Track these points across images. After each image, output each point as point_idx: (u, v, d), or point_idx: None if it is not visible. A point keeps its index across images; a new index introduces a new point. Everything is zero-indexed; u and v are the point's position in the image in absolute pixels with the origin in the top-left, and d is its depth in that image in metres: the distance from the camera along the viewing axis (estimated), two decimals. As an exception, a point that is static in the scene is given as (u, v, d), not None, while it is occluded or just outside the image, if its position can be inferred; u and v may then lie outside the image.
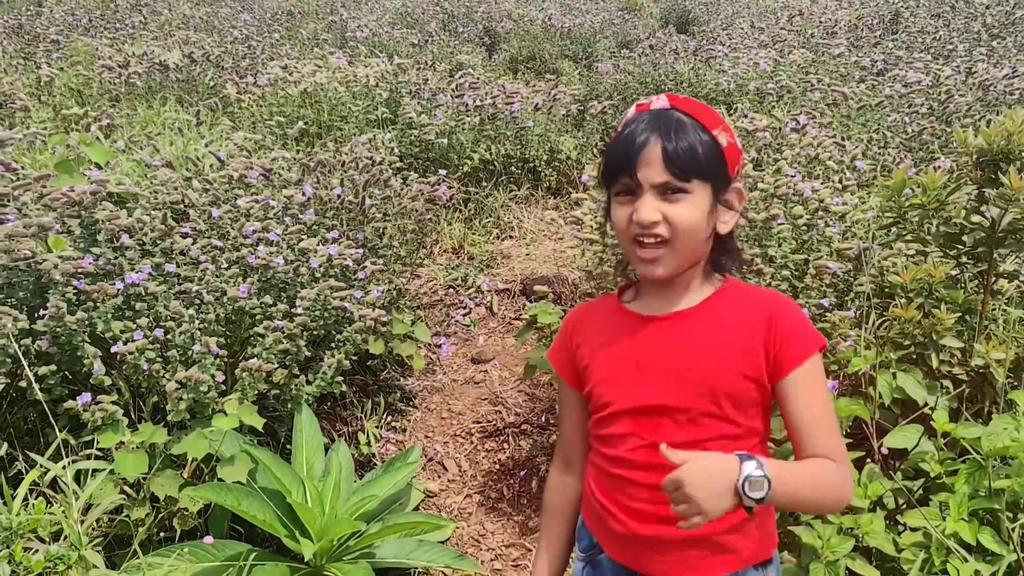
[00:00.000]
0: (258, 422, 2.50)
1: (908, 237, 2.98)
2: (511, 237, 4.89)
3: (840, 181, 3.40)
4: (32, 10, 9.71)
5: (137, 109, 5.19)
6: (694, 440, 1.28)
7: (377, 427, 3.23)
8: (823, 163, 3.60)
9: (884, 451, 2.36)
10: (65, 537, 2.15)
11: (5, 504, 2.27)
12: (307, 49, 7.74)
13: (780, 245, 2.90)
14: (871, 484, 2.31)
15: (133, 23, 8.94)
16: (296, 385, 2.74)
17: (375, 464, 3.10)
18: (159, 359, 2.49)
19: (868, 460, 2.40)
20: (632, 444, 1.34)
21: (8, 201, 2.67)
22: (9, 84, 4.99)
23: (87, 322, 2.42)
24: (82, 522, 2.21)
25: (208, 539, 2.25)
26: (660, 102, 1.32)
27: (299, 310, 2.70)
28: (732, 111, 4.99)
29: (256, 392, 2.59)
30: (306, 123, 5.11)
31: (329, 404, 3.25)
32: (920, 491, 2.39)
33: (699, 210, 1.26)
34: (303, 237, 2.92)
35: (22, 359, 2.29)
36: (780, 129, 4.14)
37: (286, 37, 8.61)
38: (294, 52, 7.29)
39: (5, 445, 2.40)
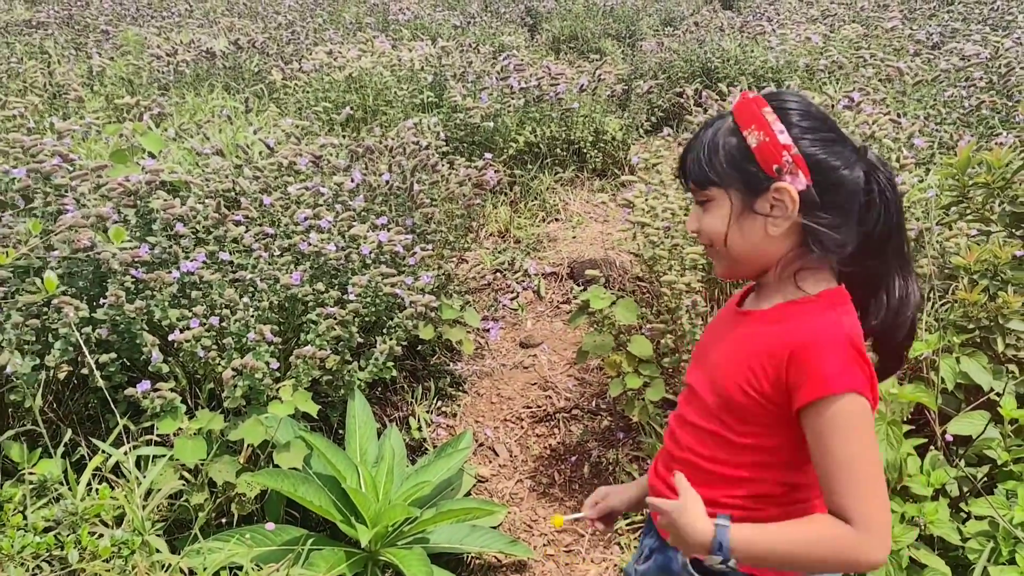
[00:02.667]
0: (312, 408, 2.52)
1: (971, 217, 2.90)
2: (557, 220, 4.86)
3: (898, 160, 3.31)
4: (81, 1, 9.86)
5: (185, 97, 5.25)
6: (700, 428, 1.32)
7: (427, 412, 3.24)
8: (879, 141, 3.51)
9: (948, 438, 2.31)
10: (128, 522, 2.20)
11: (70, 489, 2.33)
12: (350, 33, 7.75)
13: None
14: (934, 472, 2.25)
15: (179, 11, 9.04)
16: (349, 371, 2.76)
17: (426, 449, 3.11)
18: (215, 347, 2.52)
19: (931, 447, 2.34)
20: (674, 411, 1.43)
21: (67, 192, 2.72)
22: (62, 75, 5.08)
23: (145, 310, 2.46)
24: (144, 507, 2.26)
25: (270, 525, 2.28)
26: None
27: (351, 297, 2.71)
28: (782, 88, 4.88)
29: (310, 379, 2.61)
30: (352, 108, 5.12)
31: (380, 389, 3.27)
32: (985, 479, 2.33)
33: (722, 217, 1.23)
34: (353, 224, 2.93)
35: (83, 347, 2.34)
36: (833, 107, 4.04)
37: (329, 21, 8.63)
38: (337, 36, 7.31)
39: (69, 432, 2.46)
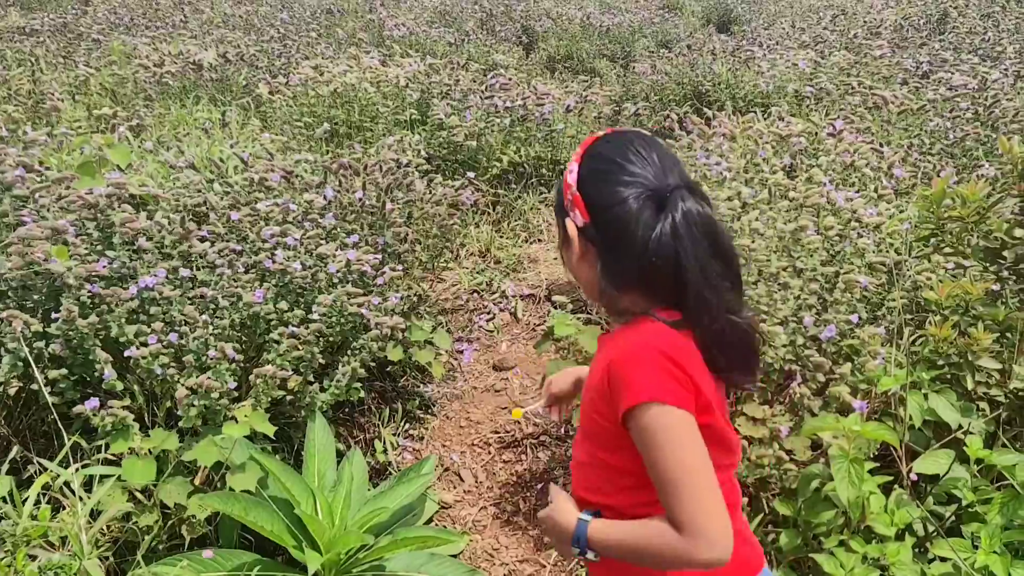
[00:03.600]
0: (269, 429, 2.46)
1: (947, 250, 2.86)
2: (539, 241, 4.82)
3: (876, 190, 3.28)
4: (78, 8, 9.86)
5: (170, 109, 5.23)
6: (581, 463, 1.40)
7: (394, 434, 3.19)
8: (859, 170, 3.48)
9: (914, 476, 2.26)
10: (70, 545, 2.14)
11: (15, 508, 2.27)
12: (343, 48, 7.74)
13: (811, 256, 2.79)
14: (899, 511, 2.21)
15: (174, 22, 9.04)
16: (311, 393, 2.71)
17: (391, 473, 3.05)
18: (173, 364, 2.47)
19: (896, 485, 2.29)
20: None
21: (28, 203, 2.67)
22: (44, 83, 5.05)
23: (98, 326, 2.41)
24: (88, 529, 2.20)
25: (207, 552, 2.22)
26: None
27: (315, 316, 2.66)
28: (768, 114, 4.86)
29: (270, 399, 2.56)
30: (336, 124, 5.09)
31: (347, 410, 3.22)
32: (952, 519, 2.28)
33: (563, 246, 1.34)
34: (321, 242, 2.88)
35: (32, 363, 2.28)
36: (816, 134, 4.02)
37: (323, 36, 8.63)
38: (329, 51, 7.30)
39: (16, 448, 2.40)
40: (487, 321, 3.98)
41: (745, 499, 2.43)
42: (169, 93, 5.55)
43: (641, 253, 1.21)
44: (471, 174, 4.61)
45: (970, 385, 2.36)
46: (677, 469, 1.15)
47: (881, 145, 3.81)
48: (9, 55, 6.89)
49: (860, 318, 2.56)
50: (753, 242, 2.73)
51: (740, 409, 2.53)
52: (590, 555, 1.28)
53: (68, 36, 8.04)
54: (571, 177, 1.28)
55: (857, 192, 3.33)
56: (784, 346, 2.58)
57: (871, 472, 2.23)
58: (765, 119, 4.63)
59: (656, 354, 1.18)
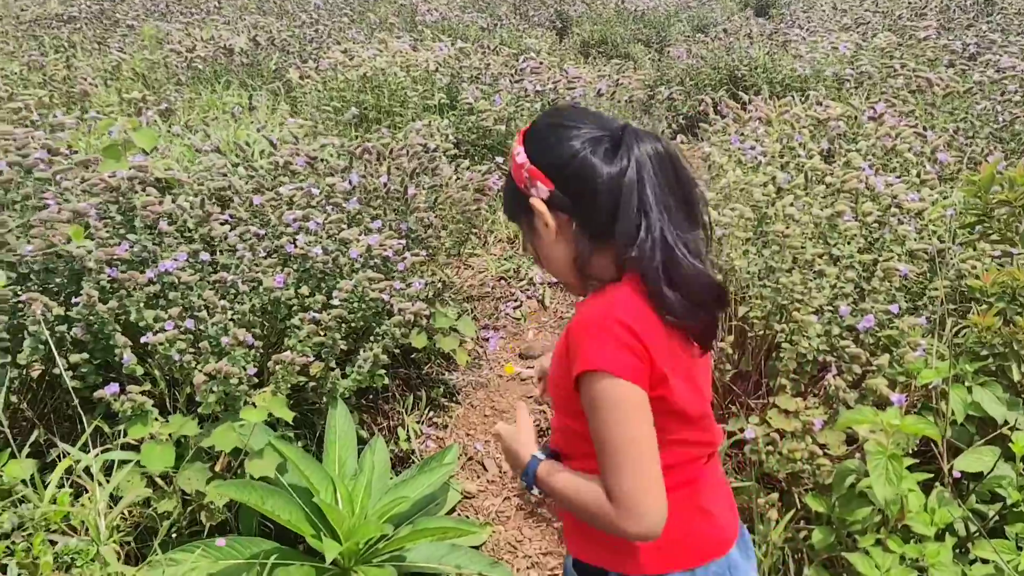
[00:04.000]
0: (287, 414, 2.43)
1: (994, 237, 2.74)
2: (569, 227, 4.73)
3: (919, 175, 3.15)
4: (114, -4, 9.94)
5: (200, 94, 5.22)
6: (554, 419, 1.40)
7: (418, 422, 3.14)
8: (901, 155, 3.34)
9: (956, 474, 2.15)
10: (88, 530, 2.12)
11: (36, 492, 2.27)
12: (374, 33, 7.70)
13: (849, 243, 2.68)
14: (939, 510, 2.11)
15: (208, 8, 9.06)
16: (332, 379, 2.67)
17: (414, 461, 3.01)
18: (191, 350, 2.44)
19: (937, 483, 2.19)
20: None
21: (50, 186, 2.66)
22: (79, 69, 5.07)
23: (120, 311, 2.39)
24: (106, 515, 2.18)
25: (220, 541, 2.19)
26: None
27: (335, 301, 2.61)
28: (805, 98, 4.72)
29: (291, 385, 2.52)
30: (365, 109, 5.05)
31: (371, 396, 3.18)
32: (995, 519, 2.17)
33: (530, 243, 1.33)
34: (344, 227, 2.84)
35: (52, 347, 2.27)
36: (856, 118, 3.88)
37: (356, 21, 8.60)
38: (360, 36, 7.26)
39: (35, 432, 2.39)
40: (514, 308, 3.91)
41: (776, 494, 2.35)
42: (200, 78, 5.55)
43: (609, 191, 1.18)
44: (499, 159, 4.55)
45: (1016, 377, 2.25)
46: (617, 441, 1.15)
47: (925, 129, 3.66)
48: (47, 41, 6.96)
49: (900, 308, 2.45)
50: (788, 228, 2.63)
51: (772, 401, 2.44)
52: (535, 491, 1.32)
53: (105, 23, 8.11)
54: (520, 158, 1.26)
55: (898, 177, 3.20)
56: (819, 336, 2.48)
57: (910, 469, 2.14)
58: (803, 103, 4.49)
59: (613, 323, 1.16)
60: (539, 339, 3.73)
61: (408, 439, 3.04)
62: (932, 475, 2.19)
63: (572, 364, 1.19)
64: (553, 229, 1.24)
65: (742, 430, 2.37)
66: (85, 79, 4.71)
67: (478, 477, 2.97)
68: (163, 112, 4.20)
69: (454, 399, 3.33)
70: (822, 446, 2.30)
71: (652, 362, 1.17)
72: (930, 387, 2.29)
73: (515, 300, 3.96)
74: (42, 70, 5.30)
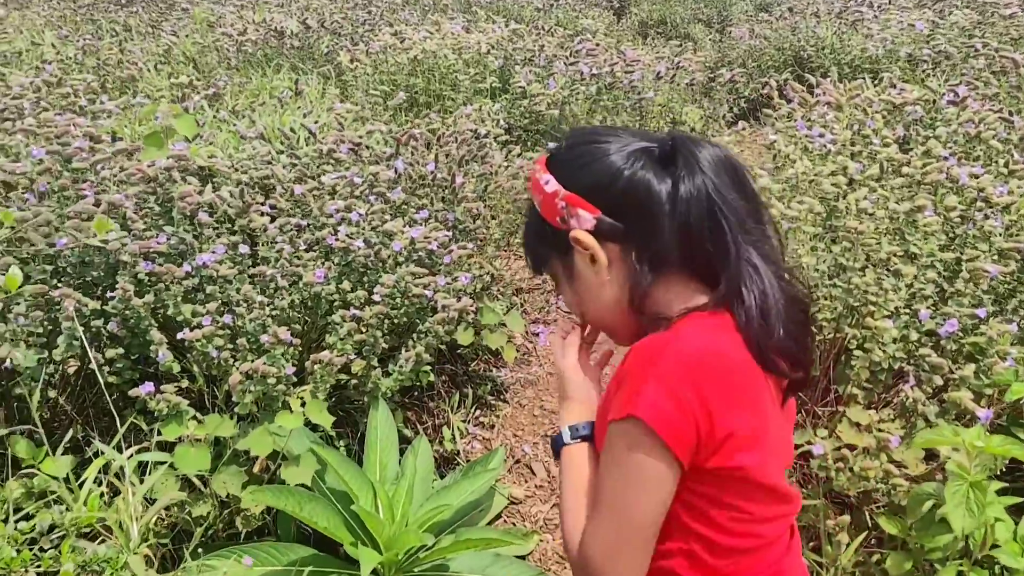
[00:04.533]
0: (326, 420, 2.33)
1: (1091, 235, 2.50)
2: (624, 216, 4.56)
3: (1006, 164, 2.90)
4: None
5: (251, 78, 5.16)
6: None
7: (464, 421, 3.02)
8: (985, 143, 3.10)
9: (1049, 501, 1.95)
10: (118, 535, 2.05)
11: (72, 492, 2.21)
12: (427, 15, 7.57)
13: (928, 240, 2.47)
14: (1031, 539, 1.91)
15: (262, -10, 9.03)
16: (374, 378, 2.56)
17: (459, 462, 2.90)
18: (228, 347, 2.35)
19: (1028, 510, 1.99)
20: None
21: (89, 175, 2.59)
22: (128, 53, 5.05)
23: (157, 305, 2.31)
24: (138, 519, 2.11)
25: (247, 560, 2.09)
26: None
27: (376, 298, 2.50)
28: (878, 80, 4.45)
29: (328, 386, 2.42)
30: (416, 92, 4.93)
31: (415, 394, 3.07)
32: (1094, 551, 1.97)
33: (570, 292, 1.15)
34: (387, 217, 2.72)
35: (86, 343, 2.20)
36: (935, 102, 3.62)
37: (409, 2, 8.48)
38: (413, 18, 7.14)
39: (71, 430, 2.34)
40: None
41: (846, 514, 2.17)
42: (251, 62, 5.49)
43: (673, 210, 1.01)
44: (553, 145, 4.39)
45: (1120, 394, 2.03)
46: (613, 499, 0.99)
47: (1011, 114, 3.40)
48: (104, 25, 6.99)
49: (987, 312, 2.24)
50: (861, 223, 2.43)
51: (842, 412, 2.26)
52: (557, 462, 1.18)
53: (160, 6, 8.13)
54: (549, 186, 1.08)
55: (982, 167, 2.96)
56: (894, 342, 2.28)
57: (997, 492, 1.94)
58: (875, 86, 4.23)
59: (672, 362, 0.95)
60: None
61: (453, 439, 2.92)
62: (1022, 500, 1.99)
63: (617, 396, 0.99)
64: (603, 264, 1.06)
65: (809, 443, 2.20)
66: (135, 63, 4.68)
67: (526, 481, 2.85)
68: (211, 97, 4.13)
69: (502, 397, 3.20)
70: (898, 464, 2.12)
71: (712, 427, 0.95)
72: (1021, 402, 2.09)
73: (567, 293, 3.81)
74: (96, 54, 5.30)
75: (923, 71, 4.76)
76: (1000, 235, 2.50)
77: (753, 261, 1.00)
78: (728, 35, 8.03)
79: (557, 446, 1.15)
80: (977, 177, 2.65)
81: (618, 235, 1.05)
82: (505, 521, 2.71)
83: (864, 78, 4.49)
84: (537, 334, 3.52)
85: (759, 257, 1.01)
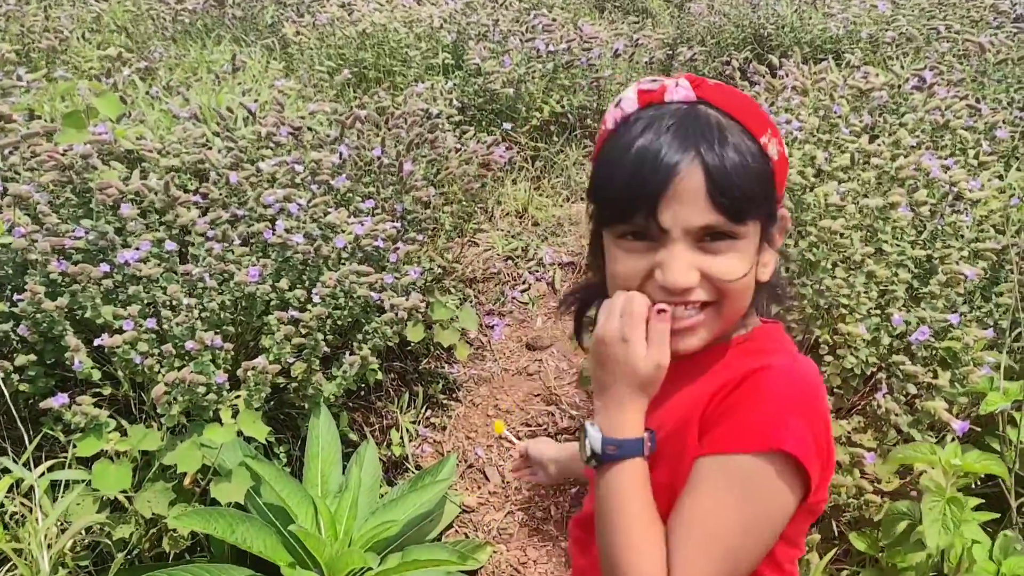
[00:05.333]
0: (261, 432, 2.14)
1: (1064, 233, 2.41)
2: (582, 200, 4.41)
3: (976, 156, 2.80)
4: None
5: (189, 50, 4.86)
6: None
7: (414, 422, 2.86)
8: (953, 131, 2.99)
9: (1028, 519, 1.87)
10: (28, 564, 1.86)
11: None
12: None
13: (900, 238, 2.36)
14: (1007, 560, 1.82)
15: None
16: (315, 383, 2.38)
17: (408, 467, 2.74)
18: (154, 352, 2.15)
19: (1004, 527, 1.90)
20: None
21: (-1, 161, 2.35)
22: (52, 20, 4.71)
23: (68, 308, 2.09)
24: (50, 546, 1.92)
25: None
26: (681, 91, 0.89)
27: (316, 299, 2.32)
28: (841, 62, 4.34)
29: (264, 394, 2.23)
30: (365, 68, 4.69)
31: (362, 393, 2.90)
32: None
33: (750, 260, 0.90)
34: (330, 209, 2.52)
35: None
36: (899, 87, 3.52)
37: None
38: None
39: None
40: (521, 292, 3.60)
41: (816, 532, 2.06)
42: (190, 32, 5.18)
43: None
44: (508, 125, 4.21)
45: (1100, 405, 1.94)
46: (734, 540, 0.83)
47: (977, 101, 3.30)
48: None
49: (961, 318, 2.13)
50: (834, 220, 2.30)
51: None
52: (593, 463, 0.91)
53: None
54: (778, 150, 0.92)
55: (950, 157, 2.86)
56: (867, 345, 2.17)
57: (974, 508, 1.85)
58: (839, 68, 4.12)
59: (818, 395, 0.88)
60: (548, 327, 3.43)
61: (402, 442, 2.76)
62: (999, 515, 1.90)
63: (734, 426, 0.85)
64: (776, 248, 0.96)
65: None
66: (60, 32, 4.36)
67: (479, 488, 2.70)
68: (143, 71, 3.86)
69: (454, 396, 3.04)
70: (870, 478, 2.02)
71: (830, 457, 0.88)
72: (996, 413, 1.99)
73: (523, 283, 3.65)
74: (20, 20, 4.95)
75: (884, 53, 4.66)
76: (970, 229, 2.41)
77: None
78: (687, 10, 7.88)
79: (617, 455, 0.89)
80: (948, 170, 2.54)
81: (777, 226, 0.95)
82: (457, 531, 2.56)
83: (827, 59, 4.37)
84: (492, 326, 3.36)
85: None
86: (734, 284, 0.88)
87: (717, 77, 5.79)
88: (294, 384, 2.42)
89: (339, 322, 2.45)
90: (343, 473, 2.38)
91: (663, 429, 0.93)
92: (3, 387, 2.01)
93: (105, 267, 2.13)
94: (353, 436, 2.70)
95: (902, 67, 3.95)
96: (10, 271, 2.19)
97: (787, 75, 3.81)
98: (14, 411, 2.22)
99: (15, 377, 2.14)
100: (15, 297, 2.07)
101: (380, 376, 2.66)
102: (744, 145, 0.87)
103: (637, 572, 0.84)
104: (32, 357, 2.14)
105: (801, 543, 0.97)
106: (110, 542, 2.08)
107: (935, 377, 2.05)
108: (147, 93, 3.65)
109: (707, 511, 0.84)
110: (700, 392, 0.90)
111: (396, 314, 2.41)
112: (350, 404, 2.81)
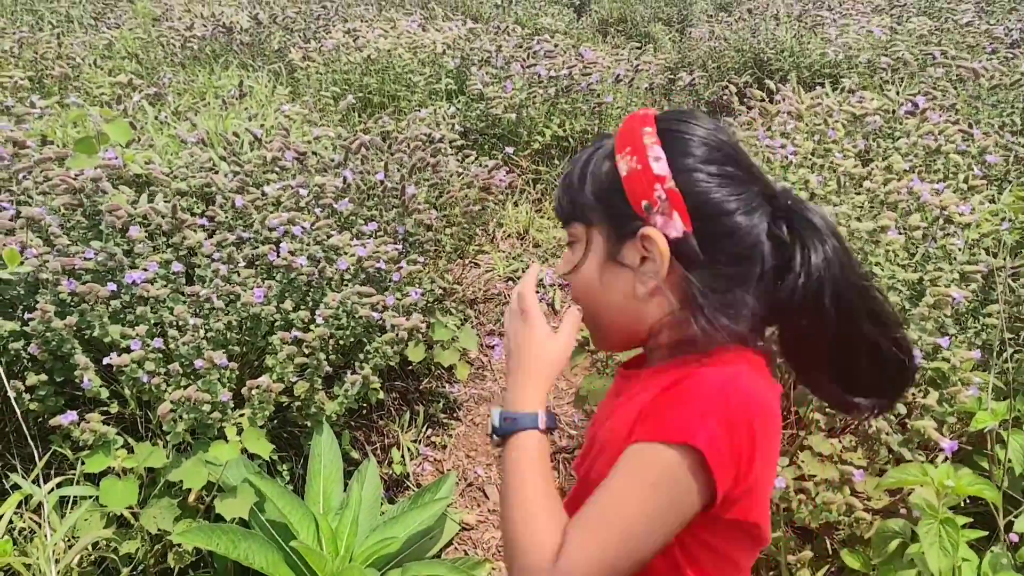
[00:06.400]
0: (264, 450, 2.19)
1: (1052, 255, 2.46)
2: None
3: (966, 180, 2.86)
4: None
5: (198, 75, 4.96)
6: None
7: (415, 441, 2.90)
8: (946, 156, 3.05)
9: (1014, 537, 1.89)
10: (37, 579, 1.91)
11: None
12: (384, 11, 7.40)
13: (890, 261, 2.41)
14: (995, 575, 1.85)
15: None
16: (317, 402, 2.43)
17: (408, 485, 2.78)
18: (160, 371, 2.21)
19: (992, 545, 1.94)
20: None
21: (13, 185, 2.42)
22: (66, 47, 4.81)
23: (76, 327, 2.15)
24: (58, 560, 1.97)
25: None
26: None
27: (319, 320, 2.37)
28: (838, 87, 4.41)
29: (268, 412, 2.28)
30: (370, 93, 4.78)
31: (364, 412, 2.94)
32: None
33: (572, 263, 1.00)
34: (333, 232, 2.58)
35: (0, 367, 2.04)
36: (893, 112, 3.58)
37: (366, -3, 8.29)
38: (368, 14, 6.96)
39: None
40: (522, 313, 3.65)
41: (808, 548, 2.10)
42: (199, 58, 5.29)
43: (779, 280, 0.93)
44: (510, 149, 4.28)
45: (1086, 424, 1.98)
46: (627, 524, 0.84)
47: (971, 125, 3.36)
48: (46, 15, 6.70)
49: (950, 340, 2.18)
50: (824, 243, 2.35)
51: (803, 438, 2.19)
52: (495, 439, 0.96)
53: (106, -2, 7.83)
54: (658, 166, 0.92)
55: (942, 182, 2.91)
56: (858, 366, 2.21)
57: (963, 527, 1.88)
58: (835, 92, 4.19)
59: (739, 399, 0.87)
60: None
61: (403, 461, 2.80)
62: (986, 533, 1.94)
63: (663, 416, 0.87)
64: (660, 277, 0.92)
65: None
66: (73, 58, 4.46)
67: (478, 506, 2.74)
68: (153, 97, 3.95)
69: (454, 415, 3.08)
70: (860, 496, 2.05)
71: (747, 475, 0.87)
72: (985, 432, 2.03)
73: (523, 304, 3.69)
74: (34, 47, 5.06)
75: (881, 78, 4.73)
76: (961, 251, 2.45)
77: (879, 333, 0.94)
78: (688, 35, 7.99)
79: (512, 427, 0.94)
80: (939, 193, 2.59)
81: (692, 262, 0.92)
82: (456, 548, 2.60)
83: (824, 83, 4.44)
84: (492, 347, 3.41)
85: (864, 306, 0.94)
86: (566, 279, 1.02)
87: (716, 101, 5.88)
88: (297, 403, 2.47)
89: (341, 342, 2.51)
90: (344, 490, 2.42)
91: (613, 432, 0.97)
92: (15, 406, 2.06)
93: (112, 286, 2.18)
94: (355, 454, 2.74)
95: (897, 92, 4.02)
96: (22, 291, 2.26)
97: (783, 100, 3.88)
98: (25, 429, 2.28)
99: (26, 397, 2.19)
100: (26, 316, 2.13)
101: (381, 395, 2.71)
102: (595, 164, 0.98)
103: (529, 543, 0.86)
104: (43, 376, 2.19)
105: (742, 562, 0.97)
106: (116, 557, 2.12)
107: (925, 396, 2.09)
108: (156, 118, 3.73)
109: (613, 493, 0.86)
110: (646, 397, 0.94)
111: (397, 334, 2.46)
112: (352, 423, 2.85)
